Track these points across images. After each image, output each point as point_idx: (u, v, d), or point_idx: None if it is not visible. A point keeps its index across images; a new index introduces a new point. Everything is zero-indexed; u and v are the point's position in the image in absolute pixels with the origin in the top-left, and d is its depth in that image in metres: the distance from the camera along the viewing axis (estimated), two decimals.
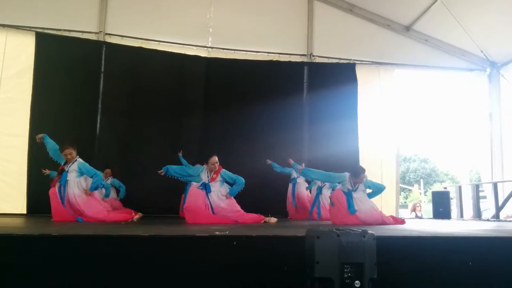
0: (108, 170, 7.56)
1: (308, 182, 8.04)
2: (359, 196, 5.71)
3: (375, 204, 5.96)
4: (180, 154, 7.16)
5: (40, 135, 5.79)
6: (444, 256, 2.81)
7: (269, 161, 8.03)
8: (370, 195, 5.94)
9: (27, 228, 3.83)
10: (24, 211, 7.54)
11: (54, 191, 5.38)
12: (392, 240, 2.91)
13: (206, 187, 5.62)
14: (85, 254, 2.51)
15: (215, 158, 5.72)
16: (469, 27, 8.68)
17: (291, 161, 7.71)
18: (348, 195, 5.67)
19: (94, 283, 2.43)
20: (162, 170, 5.77)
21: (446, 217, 8.80)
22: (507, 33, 8.85)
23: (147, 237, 2.70)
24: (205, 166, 5.79)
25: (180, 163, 6.77)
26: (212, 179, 5.65)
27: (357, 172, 5.77)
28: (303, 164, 7.58)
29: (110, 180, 7.43)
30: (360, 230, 2.42)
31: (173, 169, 5.81)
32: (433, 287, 2.73)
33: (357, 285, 2.34)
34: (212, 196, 5.60)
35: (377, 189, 6.07)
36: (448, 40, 9.86)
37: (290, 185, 8.11)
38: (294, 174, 8.01)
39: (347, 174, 5.80)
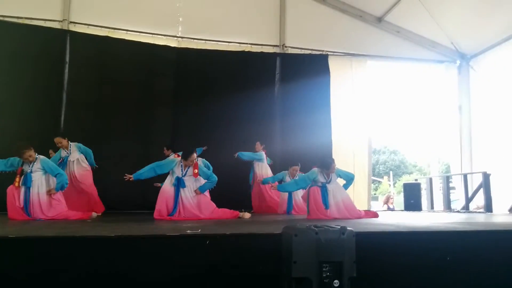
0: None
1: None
2: (333, 187, 5.62)
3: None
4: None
5: None
6: (422, 251, 2.76)
7: (236, 154, 7.59)
8: (344, 187, 5.90)
9: None
10: None
11: (12, 189, 5.00)
12: (371, 236, 2.84)
13: (179, 182, 5.36)
14: (51, 255, 2.33)
15: (195, 155, 5.45)
16: (440, 18, 8.74)
17: (259, 146, 7.73)
18: (323, 188, 5.56)
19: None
20: (132, 177, 5.23)
21: (417, 209, 8.88)
22: (477, 25, 8.96)
23: (114, 238, 2.52)
24: (178, 159, 5.53)
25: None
26: (195, 175, 5.37)
27: (327, 163, 5.68)
28: (276, 183, 6.95)
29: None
30: (339, 227, 2.33)
31: (140, 175, 5.28)
32: (412, 284, 2.67)
33: (336, 285, 2.25)
34: (185, 192, 5.35)
35: (348, 179, 6.07)
36: (419, 32, 9.91)
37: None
38: (287, 179, 7.20)
39: (316, 169, 5.68)
